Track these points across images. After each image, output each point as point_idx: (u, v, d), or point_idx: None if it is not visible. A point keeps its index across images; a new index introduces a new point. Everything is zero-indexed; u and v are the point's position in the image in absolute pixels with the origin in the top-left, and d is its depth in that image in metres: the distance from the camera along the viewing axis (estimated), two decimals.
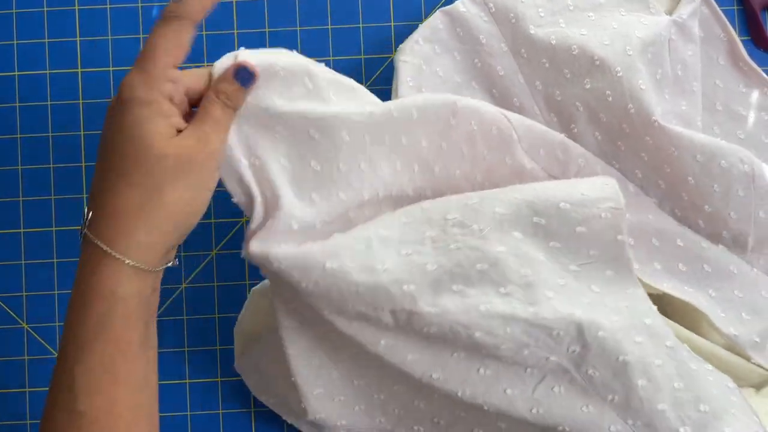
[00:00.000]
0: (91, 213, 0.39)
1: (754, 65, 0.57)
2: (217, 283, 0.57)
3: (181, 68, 0.57)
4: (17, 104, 0.57)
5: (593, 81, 0.51)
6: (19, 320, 0.57)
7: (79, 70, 0.58)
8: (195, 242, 0.57)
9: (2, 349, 0.57)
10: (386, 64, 0.57)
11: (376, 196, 0.46)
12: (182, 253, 0.57)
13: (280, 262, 0.42)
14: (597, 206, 0.45)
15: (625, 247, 0.45)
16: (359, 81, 0.49)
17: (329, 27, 0.58)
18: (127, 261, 0.37)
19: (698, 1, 0.55)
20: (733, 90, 0.57)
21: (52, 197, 0.57)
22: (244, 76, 0.40)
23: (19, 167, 0.57)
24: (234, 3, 0.58)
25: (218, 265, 0.57)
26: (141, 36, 0.57)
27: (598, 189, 0.46)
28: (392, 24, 0.58)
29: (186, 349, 0.56)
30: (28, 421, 0.56)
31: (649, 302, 0.47)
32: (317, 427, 0.52)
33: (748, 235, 0.52)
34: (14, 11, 0.58)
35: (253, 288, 0.54)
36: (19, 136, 0.57)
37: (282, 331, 0.46)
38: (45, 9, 0.58)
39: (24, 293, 0.57)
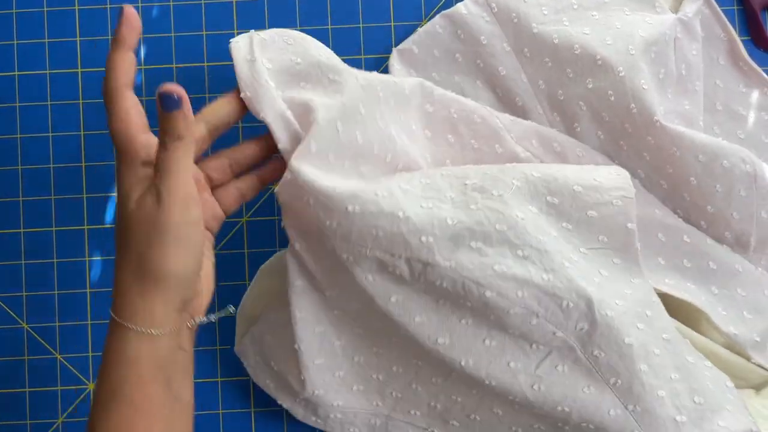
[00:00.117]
0: None
1: (754, 65, 0.57)
2: (216, 284, 0.57)
3: (182, 68, 0.57)
4: (17, 104, 0.57)
5: (596, 80, 0.51)
6: (19, 320, 0.57)
7: (79, 70, 0.57)
8: None
9: (2, 349, 0.56)
10: (386, 64, 0.57)
11: (386, 159, 0.47)
12: None
13: (310, 191, 0.43)
14: (609, 193, 0.46)
15: (634, 236, 0.46)
16: None
17: (329, 27, 0.58)
18: (131, 326, 0.39)
19: (701, 0, 0.56)
20: (733, 90, 0.57)
21: (52, 197, 0.57)
22: (167, 103, 0.38)
23: (19, 167, 0.57)
24: (234, 3, 0.58)
25: (218, 266, 0.57)
26: (141, 36, 0.57)
27: (612, 177, 0.47)
28: (392, 24, 0.58)
29: None
30: (28, 421, 0.56)
31: (653, 294, 0.48)
32: (312, 410, 0.52)
33: (750, 235, 0.52)
34: (14, 11, 0.58)
35: (261, 266, 0.54)
36: (19, 136, 0.57)
37: (291, 293, 0.47)
38: (45, 9, 0.58)
39: (24, 293, 0.57)
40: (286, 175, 0.43)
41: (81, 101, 0.57)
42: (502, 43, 0.54)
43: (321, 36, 0.57)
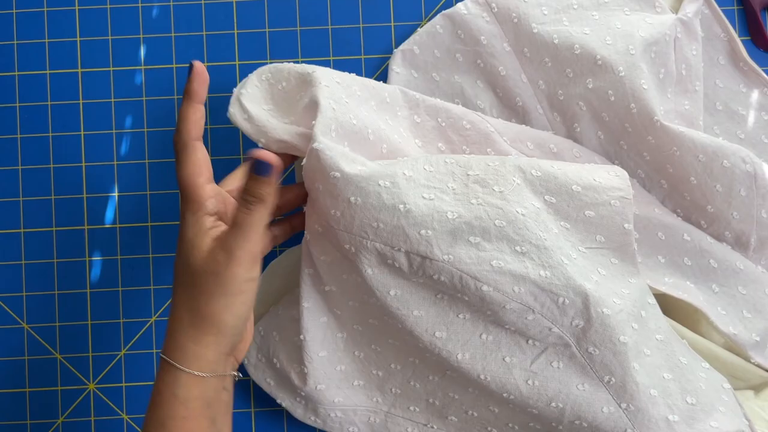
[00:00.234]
0: None
1: (754, 65, 0.57)
2: None
3: (183, 68, 0.57)
4: (17, 104, 0.57)
5: (596, 80, 0.51)
6: (19, 320, 0.57)
7: (79, 70, 0.57)
8: None
9: (2, 349, 0.56)
10: (386, 64, 0.57)
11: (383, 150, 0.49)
12: None
13: (324, 169, 0.44)
14: (607, 194, 0.46)
15: (631, 237, 0.47)
16: None
17: (329, 27, 0.58)
18: (184, 369, 0.42)
19: (701, 0, 0.56)
20: (733, 90, 0.57)
21: (52, 197, 0.57)
22: (260, 167, 0.41)
23: (19, 167, 0.57)
24: (234, 3, 0.58)
25: None
26: (141, 36, 0.57)
27: (611, 178, 0.47)
28: (392, 24, 0.58)
29: None
30: (28, 421, 0.56)
31: (649, 295, 0.48)
32: (312, 409, 0.52)
33: (750, 235, 0.52)
34: (14, 11, 0.58)
35: (267, 267, 0.55)
36: (19, 136, 0.57)
37: (301, 281, 0.49)
38: (45, 9, 0.58)
39: (24, 293, 0.57)
40: (307, 154, 0.45)
41: (81, 101, 0.57)
42: (502, 43, 0.54)
43: (321, 36, 0.58)
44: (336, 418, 0.52)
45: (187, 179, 0.43)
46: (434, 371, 0.50)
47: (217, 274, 0.41)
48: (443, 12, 0.55)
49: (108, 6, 0.58)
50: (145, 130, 0.57)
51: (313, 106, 0.46)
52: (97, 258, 0.57)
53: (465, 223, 0.44)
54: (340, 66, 0.57)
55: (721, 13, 0.57)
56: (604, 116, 0.52)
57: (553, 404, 0.46)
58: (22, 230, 0.57)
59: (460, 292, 0.45)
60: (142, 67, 0.57)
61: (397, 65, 0.55)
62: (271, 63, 0.57)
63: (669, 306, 0.52)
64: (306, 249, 0.48)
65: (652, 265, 0.52)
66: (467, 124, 0.51)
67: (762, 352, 0.52)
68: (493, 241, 0.44)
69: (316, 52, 0.58)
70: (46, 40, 0.57)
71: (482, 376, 0.46)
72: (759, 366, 0.52)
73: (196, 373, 0.42)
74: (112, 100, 0.57)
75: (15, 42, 0.57)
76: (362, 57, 0.58)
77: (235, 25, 0.58)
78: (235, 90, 0.49)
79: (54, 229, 0.57)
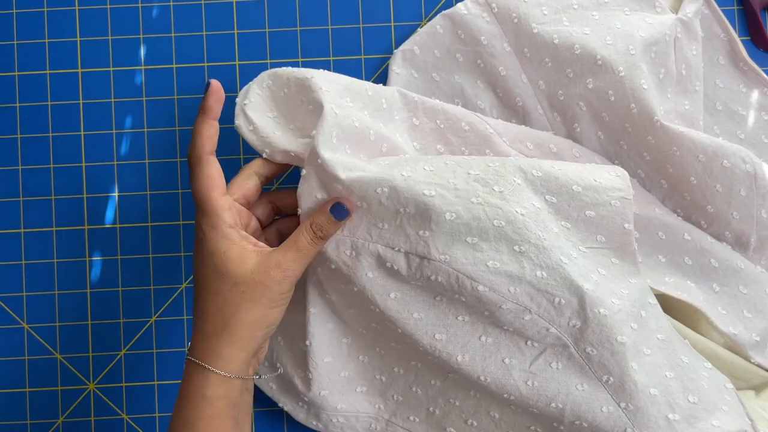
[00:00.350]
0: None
1: (754, 65, 0.57)
2: None
3: (183, 68, 0.57)
4: (17, 104, 0.57)
5: (596, 80, 0.51)
6: (19, 320, 0.57)
7: (79, 70, 0.57)
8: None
9: (2, 349, 0.56)
10: (386, 64, 0.57)
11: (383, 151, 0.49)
12: (182, 254, 0.57)
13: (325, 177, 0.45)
14: (608, 194, 0.46)
15: (631, 237, 0.47)
16: None
17: (329, 27, 0.58)
18: (213, 370, 0.44)
19: (701, 0, 0.56)
20: (733, 90, 0.57)
21: (52, 197, 0.57)
22: (339, 211, 0.45)
23: (19, 167, 0.57)
24: (234, 3, 0.58)
25: None
26: (141, 36, 0.57)
27: (611, 178, 0.47)
28: (392, 24, 0.58)
29: (186, 349, 0.56)
30: (29, 421, 0.56)
31: (650, 295, 0.48)
32: (315, 414, 0.53)
33: (750, 235, 0.52)
34: (14, 11, 0.58)
35: None
36: (19, 136, 0.57)
37: (308, 286, 0.49)
38: (45, 9, 0.58)
39: (24, 293, 0.57)
40: (306, 165, 0.46)
41: (81, 101, 0.57)
42: (503, 44, 0.54)
43: (321, 36, 0.58)
44: (338, 424, 0.52)
45: (202, 192, 0.45)
46: (436, 375, 0.50)
47: (267, 288, 0.44)
48: (443, 12, 0.55)
49: (108, 6, 0.58)
50: (145, 130, 0.57)
51: (316, 111, 0.46)
52: (97, 258, 0.57)
53: (463, 224, 0.44)
54: (340, 66, 0.57)
55: (721, 13, 0.57)
56: (604, 116, 0.52)
57: (553, 405, 0.46)
58: (22, 230, 0.57)
59: (458, 293, 0.45)
60: (142, 67, 0.57)
61: (397, 65, 0.55)
62: (270, 63, 0.57)
63: (669, 306, 0.52)
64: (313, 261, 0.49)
65: (652, 264, 0.52)
66: (466, 125, 0.51)
67: (762, 352, 0.52)
68: (491, 242, 0.44)
69: (316, 52, 0.58)
70: (46, 40, 0.57)
71: (482, 378, 0.47)
72: (759, 366, 0.52)
73: (225, 374, 0.44)
74: (112, 100, 0.57)
75: (15, 42, 0.57)
76: (362, 57, 0.58)
77: (235, 25, 0.58)
78: (238, 101, 0.49)
79: (54, 229, 0.57)
